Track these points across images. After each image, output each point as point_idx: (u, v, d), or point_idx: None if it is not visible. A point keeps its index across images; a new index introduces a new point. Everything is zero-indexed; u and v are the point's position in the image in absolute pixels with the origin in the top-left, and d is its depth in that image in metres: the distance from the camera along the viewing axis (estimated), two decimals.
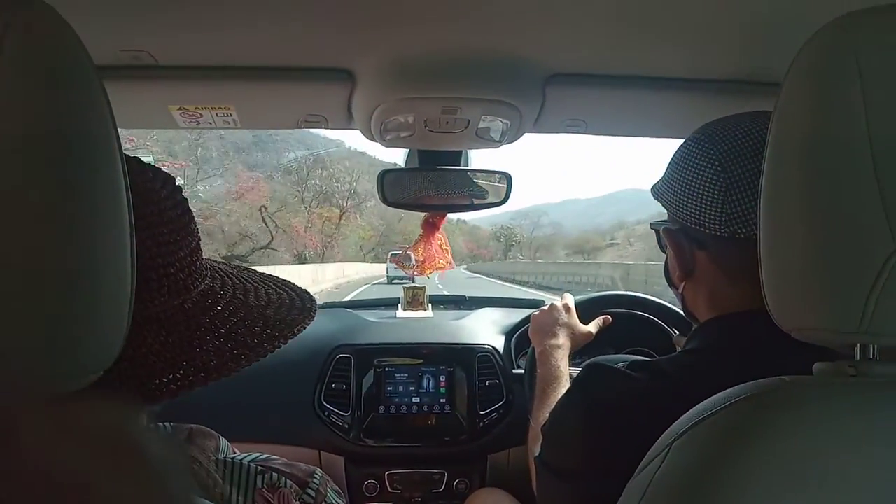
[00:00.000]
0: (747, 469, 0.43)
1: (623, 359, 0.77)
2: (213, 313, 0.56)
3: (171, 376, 0.50)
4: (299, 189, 47.82)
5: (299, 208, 46.42)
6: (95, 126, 0.35)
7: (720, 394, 0.49)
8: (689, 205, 0.72)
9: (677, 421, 0.50)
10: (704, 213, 0.70)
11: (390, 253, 32.15)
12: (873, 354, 0.48)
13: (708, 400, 0.49)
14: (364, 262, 49.83)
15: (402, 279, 18.91)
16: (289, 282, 0.70)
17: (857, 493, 0.42)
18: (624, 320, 1.39)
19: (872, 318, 0.43)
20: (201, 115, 1.07)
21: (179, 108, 1.05)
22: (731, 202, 0.68)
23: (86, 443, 0.29)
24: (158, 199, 0.54)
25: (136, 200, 0.52)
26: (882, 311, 0.42)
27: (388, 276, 25.68)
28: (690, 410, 0.50)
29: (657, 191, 0.80)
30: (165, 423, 0.58)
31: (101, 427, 0.30)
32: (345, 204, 49.58)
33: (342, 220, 49.25)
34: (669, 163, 0.77)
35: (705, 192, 0.70)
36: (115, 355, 0.39)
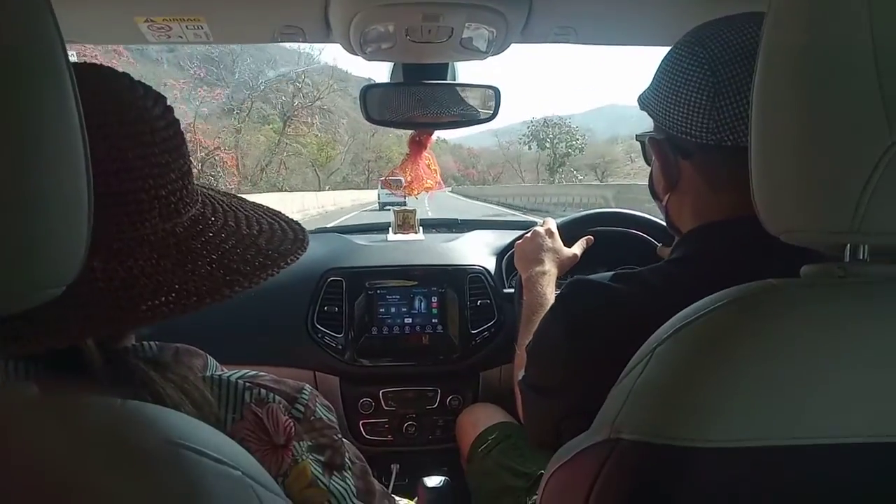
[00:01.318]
0: (733, 371, 0.43)
1: (609, 276, 0.76)
2: (204, 239, 0.56)
3: (163, 299, 0.49)
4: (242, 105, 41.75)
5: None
6: (38, 36, 0.34)
7: (705, 299, 0.48)
8: (675, 111, 0.70)
9: (661, 327, 0.50)
10: (691, 119, 0.68)
11: (381, 179, 31.94)
12: (863, 255, 0.47)
13: (692, 305, 0.49)
14: (326, 189, 43.40)
15: (393, 204, 18.93)
16: (279, 212, 0.69)
17: (847, 391, 0.42)
18: (611, 238, 1.38)
19: (864, 217, 0.42)
20: (171, 29, 1.02)
21: (146, 21, 0.99)
22: (719, 108, 0.66)
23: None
24: (150, 117, 0.52)
25: (127, 117, 0.51)
26: (874, 209, 0.42)
27: (379, 203, 25.47)
28: (674, 316, 0.50)
29: (643, 100, 0.77)
30: (151, 343, 0.58)
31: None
32: (311, 121, 45.42)
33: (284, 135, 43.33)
34: (657, 69, 0.74)
35: (692, 98, 0.67)
36: (75, 272, 0.38)
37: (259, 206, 0.69)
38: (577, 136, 63.09)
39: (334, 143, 51.93)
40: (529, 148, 67.02)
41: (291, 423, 0.57)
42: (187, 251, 0.53)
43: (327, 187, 45.33)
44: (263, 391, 0.58)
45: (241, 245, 0.57)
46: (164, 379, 0.51)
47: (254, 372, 0.61)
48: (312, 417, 0.60)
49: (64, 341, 0.45)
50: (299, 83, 44.95)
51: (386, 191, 24.01)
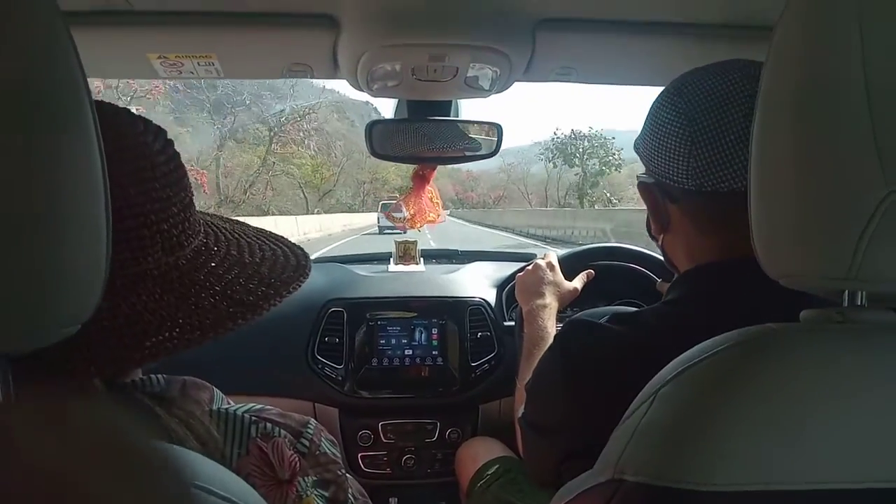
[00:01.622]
0: (735, 415, 0.43)
1: (608, 311, 0.77)
2: (207, 270, 0.56)
3: (167, 334, 0.49)
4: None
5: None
6: (64, 76, 0.34)
7: (707, 342, 0.49)
8: (658, 158, 0.72)
9: (664, 369, 0.50)
10: (672, 166, 0.70)
11: (381, 203, 31.57)
12: (861, 301, 0.48)
13: (694, 348, 0.49)
14: (316, 212, 40.59)
15: (392, 230, 18.87)
16: (282, 237, 0.69)
17: (844, 437, 0.43)
18: (612, 272, 1.39)
19: (862, 265, 0.42)
20: (182, 65, 1.04)
21: (159, 57, 1.02)
22: (696, 155, 0.68)
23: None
24: (151, 153, 0.53)
25: (128, 154, 0.51)
26: (872, 256, 0.42)
27: (378, 227, 25.74)
28: (677, 358, 0.50)
29: (636, 145, 0.80)
30: (158, 377, 0.58)
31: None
32: (305, 141, 44.73)
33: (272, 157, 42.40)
34: (646, 116, 0.77)
35: (671, 146, 0.70)
36: (91, 310, 0.38)
37: (262, 231, 0.69)
38: (613, 151, 54.88)
39: (329, 164, 51.22)
40: (554, 165, 60.13)
41: (297, 458, 0.57)
42: (191, 284, 0.54)
43: (318, 210, 44.28)
44: (269, 425, 0.58)
45: (244, 274, 0.58)
46: (169, 415, 0.52)
47: (259, 406, 0.61)
48: (317, 452, 0.60)
49: (69, 381, 0.46)
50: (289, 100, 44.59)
51: (384, 217, 24.06)
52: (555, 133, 58.63)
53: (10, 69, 0.31)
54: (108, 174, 0.39)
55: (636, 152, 0.80)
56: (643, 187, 0.79)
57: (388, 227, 21.74)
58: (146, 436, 0.32)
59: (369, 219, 36.83)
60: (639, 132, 0.78)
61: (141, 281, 0.51)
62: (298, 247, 0.68)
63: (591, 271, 1.27)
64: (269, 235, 0.68)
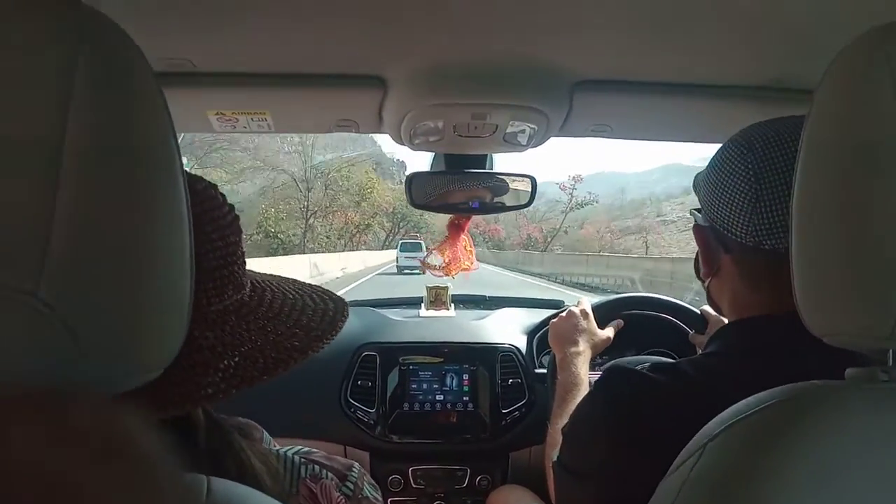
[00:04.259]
0: (783, 470, 0.44)
1: (644, 360, 0.77)
2: (264, 308, 0.58)
3: (219, 376, 0.50)
4: None
5: None
6: (159, 132, 0.37)
7: (754, 396, 0.50)
8: (719, 206, 0.72)
9: (711, 421, 0.51)
10: (733, 219, 0.70)
11: (401, 242, 30.72)
12: None
13: (742, 402, 0.50)
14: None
15: (412, 269, 18.57)
16: (317, 286, 0.71)
17: (888, 495, 0.43)
18: (643, 321, 1.41)
19: None
20: (237, 120, 1.11)
21: (217, 114, 1.08)
22: (760, 213, 0.68)
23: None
24: (219, 204, 0.56)
25: (206, 205, 0.54)
26: None
27: (398, 266, 25.13)
28: (725, 411, 0.51)
29: (696, 183, 0.80)
30: (221, 416, 0.59)
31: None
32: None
33: None
34: (711, 158, 0.77)
35: (736, 199, 0.70)
36: (175, 353, 0.39)
37: (296, 281, 0.71)
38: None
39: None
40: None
41: (343, 501, 0.59)
42: (254, 319, 0.56)
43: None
44: (317, 467, 0.60)
45: (290, 320, 0.60)
46: (250, 448, 0.54)
47: (307, 448, 0.63)
48: (360, 496, 0.61)
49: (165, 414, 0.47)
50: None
51: (404, 254, 24.05)
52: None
53: (119, 130, 0.34)
54: (197, 225, 0.40)
55: (695, 191, 0.80)
56: (698, 229, 0.78)
57: (408, 268, 21.68)
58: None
59: (386, 256, 35.66)
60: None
61: (221, 316, 0.53)
62: (335, 294, 0.70)
63: (621, 321, 1.30)
64: (302, 284, 0.70)
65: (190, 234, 0.40)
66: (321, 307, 0.65)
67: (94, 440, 0.29)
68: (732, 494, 0.46)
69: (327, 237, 43.60)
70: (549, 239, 56.72)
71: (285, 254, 29.80)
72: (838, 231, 0.47)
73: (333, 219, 44.68)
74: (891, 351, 0.49)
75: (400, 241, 32.66)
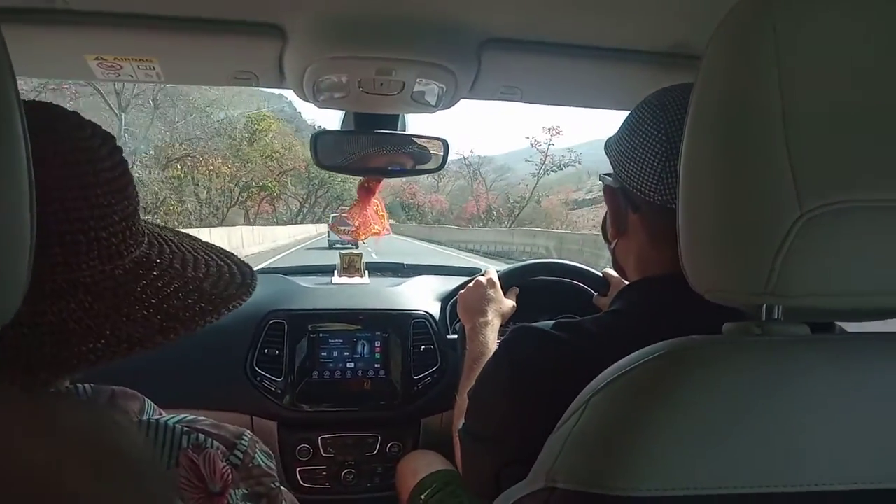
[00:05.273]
0: (661, 423, 0.45)
1: (550, 324, 0.78)
2: (145, 282, 0.55)
3: (91, 346, 0.48)
4: None
5: None
6: None
7: (636, 352, 0.51)
8: (630, 167, 0.73)
9: (596, 377, 0.52)
10: (643, 178, 0.72)
11: (332, 216, 30.25)
12: (778, 315, 0.51)
13: (624, 358, 0.52)
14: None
15: (343, 244, 18.48)
16: (232, 254, 0.68)
17: (761, 442, 0.45)
18: (550, 287, 1.43)
19: (778, 281, 0.45)
20: (121, 67, 1.01)
21: (97, 59, 0.98)
22: (669, 172, 0.70)
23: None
24: (95, 158, 0.52)
25: (69, 158, 0.50)
26: (786, 274, 0.45)
27: (328, 241, 25.02)
28: (609, 367, 0.52)
29: (608, 147, 0.81)
30: (85, 386, 0.56)
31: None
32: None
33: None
34: (623, 121, 0.78)
35: (647, 159, 0.71)
36: (10, 314, 0.37)
37: (212, 246, 0.68)
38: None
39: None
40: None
41: (229, 470, 0.56)
42: (125, 295, 0.52)
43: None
44: (202, 436, 0.57)
45: (185, 289, 0.57)
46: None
47: (192, 416, 0.59)
48: (251, 465, 0.59)
49: None
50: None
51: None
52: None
53: None
54: (42, 177, 0.37)
55: (606, 154, 0.81)
56: (608, 190, 0.80)
57: (339, 242, 21.24)
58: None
59: (311, 230, 34.50)
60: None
61: (72, 289, 0.50)
62: (247, 264, 0.67)
63: (516, 288, 1.34)
64: (218, 251, 0.67)
65: (31, 193, 0.36)
66: (227, 277, 0.62)
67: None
68: (611, 449, 0.47)
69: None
70: (515, 212, 50.55)
71: None
72: (717, 191, 0.48)
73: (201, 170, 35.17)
74: (764, 306, 0.51)
75: (332, 215, 31.91)
